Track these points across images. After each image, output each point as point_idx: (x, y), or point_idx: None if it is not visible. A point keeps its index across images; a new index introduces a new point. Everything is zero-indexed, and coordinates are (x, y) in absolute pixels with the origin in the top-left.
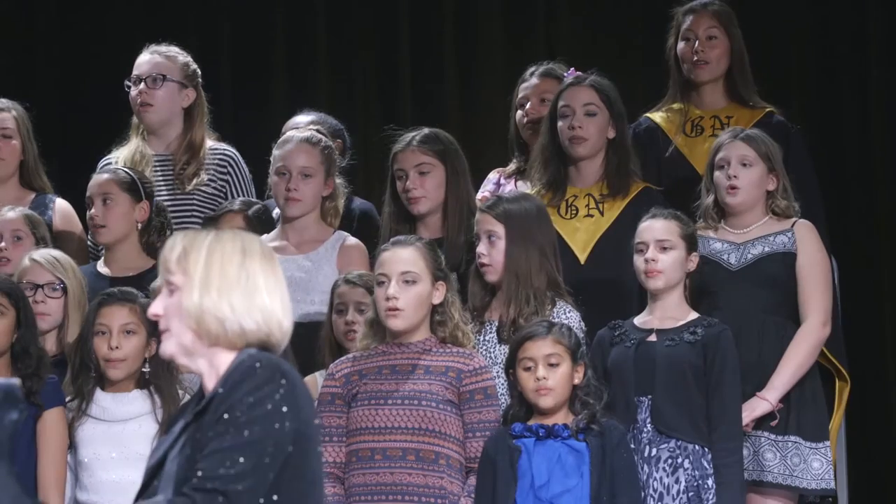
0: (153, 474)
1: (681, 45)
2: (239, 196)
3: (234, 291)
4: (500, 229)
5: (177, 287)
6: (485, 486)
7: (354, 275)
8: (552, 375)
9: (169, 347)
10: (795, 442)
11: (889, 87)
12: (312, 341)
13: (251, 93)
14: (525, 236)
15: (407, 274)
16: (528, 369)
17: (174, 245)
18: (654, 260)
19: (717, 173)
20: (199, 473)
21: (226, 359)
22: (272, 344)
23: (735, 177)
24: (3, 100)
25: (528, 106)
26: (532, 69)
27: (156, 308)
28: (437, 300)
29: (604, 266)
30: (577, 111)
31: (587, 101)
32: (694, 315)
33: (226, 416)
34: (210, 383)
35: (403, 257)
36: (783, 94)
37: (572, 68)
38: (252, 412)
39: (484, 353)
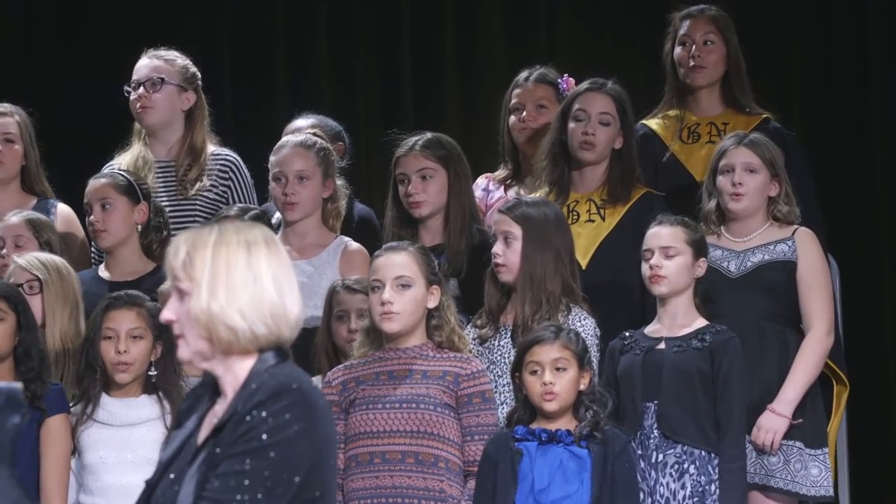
0: (165, 468)
1: (678, 49)
2: (240, 201)
3: (242, 294)
4: (517, 231)
5: (186, 293)
6: (485, 488)
7: (352, 280)
8: (558, 380)
9: (185, 353)
10: (799, 448)
11: (890, 88)
12: (305, 346)
13: (252, 96)
14: (542, 240)
15: (401, 278)
16: (534, 373)
17: (178, 249)
18: (658, 266)
19: (720, 178)
20: (205, 493)
21: (243, 365)
22: (283, 342)
23: (740, 183)
24: (7, 104)
25: (524, 113)
26: (525, 74)
27: (168, 314)
28: (431, 304)
29: (605, 271)
30: (592, 117)
31: (603, 109)
32: (703, 322)
33: (243, 438)
34: (228, 388)
35: (397, 262)
36: (783, 98)
37: (566, 75)
38: (270, 437)
39: (499, 357)
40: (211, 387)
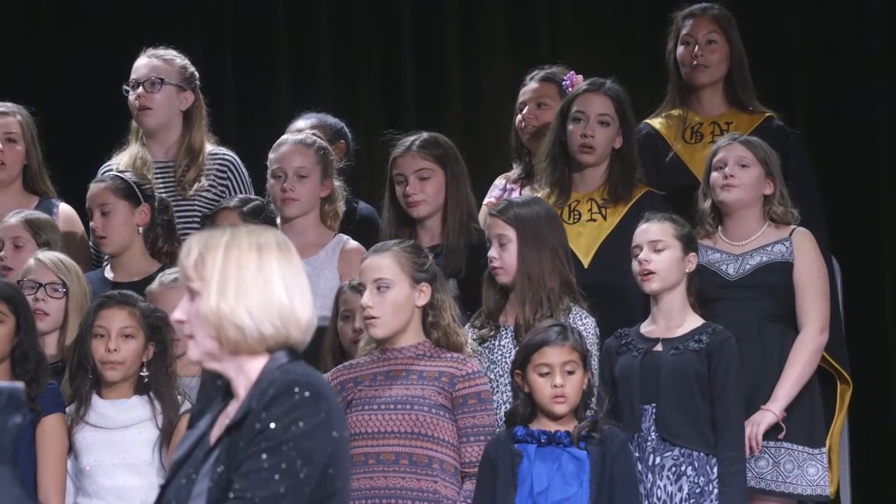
0: (178, 468)
1: (680, 49)
2: None
3: (252, 295)
4: (510, 233)
5: (196, 293)
6: (485, 489)
7: (358, 281)
8: (568, 383)
9: (195, 353)
10: (789, 448)
11: (892, 88)
12: (314, 346)
13: (253, 96)
14: (536, 239)
15: (379, 281)
16: (543, 375)
17: (190, 250)
18: (647, 261)
19: (713, 174)
20: (233, 495)
21: (255, 365)
22: (293, 344)
23: (732, 176)
24: (9, 104)
25: (525, 111)
26: (532, 74)
27: (178, 314)
28: (421, 302)
29: (607, 270)
30: (591, 118)
31: (602, 110)
32: (699, 322)
33: (262, 435)
34: (240, 388)
35: (376, 264)
36: (785, 98)
37: (572, 72)
38: (288, 433)
39: (500, 357)
40: (223, 389)
